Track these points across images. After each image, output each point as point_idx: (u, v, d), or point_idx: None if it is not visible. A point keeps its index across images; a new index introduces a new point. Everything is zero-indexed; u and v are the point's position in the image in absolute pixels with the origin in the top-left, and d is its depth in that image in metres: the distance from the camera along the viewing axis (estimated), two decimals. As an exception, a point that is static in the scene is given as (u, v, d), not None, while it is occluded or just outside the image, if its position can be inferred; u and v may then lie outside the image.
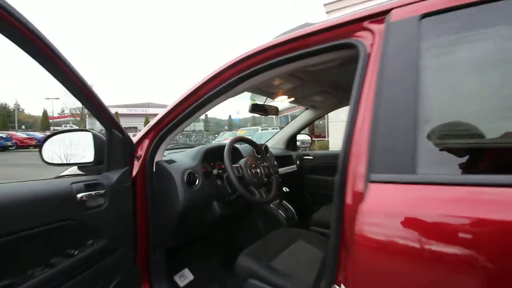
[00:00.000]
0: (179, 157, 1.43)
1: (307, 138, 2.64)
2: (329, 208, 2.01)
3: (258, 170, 1.44)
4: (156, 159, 1.25)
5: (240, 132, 15.76)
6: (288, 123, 2.58)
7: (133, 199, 1.14)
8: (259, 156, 1.89)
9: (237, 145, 1.74)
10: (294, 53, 0.90)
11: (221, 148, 1.56)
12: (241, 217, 1.76)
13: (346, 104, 2.16)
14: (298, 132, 2.49)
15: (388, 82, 0.67)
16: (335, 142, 6.92)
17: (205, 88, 1.08)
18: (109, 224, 0.97)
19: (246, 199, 1.30)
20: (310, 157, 2.48)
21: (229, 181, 1.35)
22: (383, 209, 0.58)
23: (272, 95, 1.70)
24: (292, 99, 1.81)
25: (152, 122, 1.23)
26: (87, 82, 0.88)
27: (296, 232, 1.48)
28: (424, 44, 0.67)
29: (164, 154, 1.42)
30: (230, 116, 42.99)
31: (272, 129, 14.04)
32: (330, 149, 7.15)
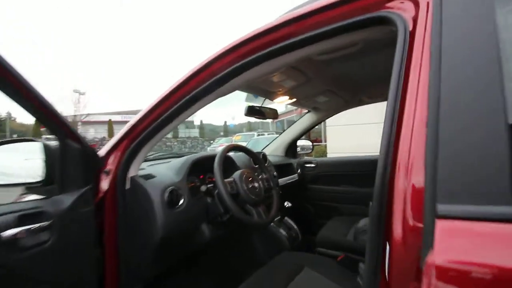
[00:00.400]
0: (162, 170, 1.19)
1: (308, 143, 2.41)
2: (335, 222, 1.77)
3: (256, 184, 1.20)
4: (130, 174, 1.01)
5: (235, 138, 15.51)
6: (284, 128, 2.35)
7: (99, 227, 0.90)
8: (257, 166, 1.65)
9: (231, 154, 1.51)
10: (302, 36, 0.68)
11: (211, 158, 1.32)
12: (236, 239, 1.51)
13: (354, 106, 1.95)
14: (299, 137, 2.27)
15: (451, 69, 0.45)
16: (333, 147, 6.71)
17: (190, 84, 0.85)
18: (56, 268, 0.72)
19: (242, 221, 1.06)
20: (313, 165, 2.25)
21: (220, 199, 1.11)
22: (475, 267, 0.36)
23: (271, 95, 1.48)
24: (293, 100, 1.58)
25: (124, 129, 0.99)
26: (26, 79, 0.65)
27: (302, 257, 1.24)
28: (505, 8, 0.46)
29: (142, 167, 1.18)
30: (225, 122, 42.83)
31: (268, 134, 13.80)
32: (330, 155, 6.95)
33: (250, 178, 1.20)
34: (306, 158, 2.36)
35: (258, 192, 1.19)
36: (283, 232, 1.52)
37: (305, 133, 2.24)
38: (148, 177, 1.07)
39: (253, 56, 0.74)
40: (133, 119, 0.97)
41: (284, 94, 1.44)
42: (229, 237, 1.37)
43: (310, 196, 2.20)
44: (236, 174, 1.19)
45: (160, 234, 1.00)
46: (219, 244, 1.40)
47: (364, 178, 2.00)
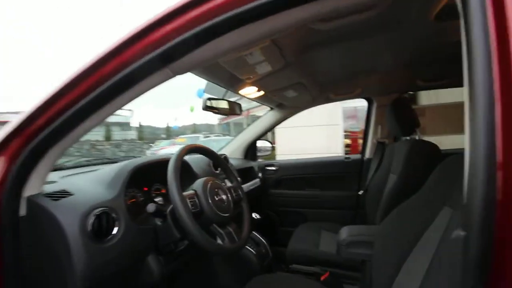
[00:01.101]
0: (83, 183, 0.81)
1: (267, 144, 2.20)
2: (303, 231, 1.59)
3: (224, 197, 0.92)
4: (27, 193, 0.63)
5: (179, 140, 14.61)
6: (230, 131, 2.10)
7: None
8: (218, 171, 1.36)
9: (186, 158, 1.19)
10: None
11: (160, 163, 0.98)
12: (194, 270, 1.19)
13: (320, 103, 1.82)
14: (259, 137, 2.04)
15: None
16: (283, 150, 6.75)
17: (122, 57, 0.54)
18: None
19: (208, 250, 0.76)
20: (274, 168, 2.05)
21: (176, 221, 0.80)
22: None
23: (236, 85, 1.21)
24: (261, 92, 1.34)
25: (14, 123, 0.61)
26: None
27: (279, 281, 1.00)
28: None
29: (52, 179, 0.79)
30: (168, 124, 40.16)
31: (215, 136, 13.34)
32: (279, 157, 6.97)
33: (216, 189, 0.91)
34: (266, 161, 2.15)
35: (226, 207, 0.91)
36: (251, 249, 1.26)
37: (266, 132, 2.03)
38: (60, 195, 0.69)
39: (226, 16, 0.47)
40: (28, 108, 0.60)
41: (253, 83, 1.19)
42: (184, 268, 1.04)
43: (272, 202, 1.99)
44: (198, 184, 0.88)
45: (79, 282, 0.63)
46: (171, 280, 1.06)
47: (328, 180, 1.90)
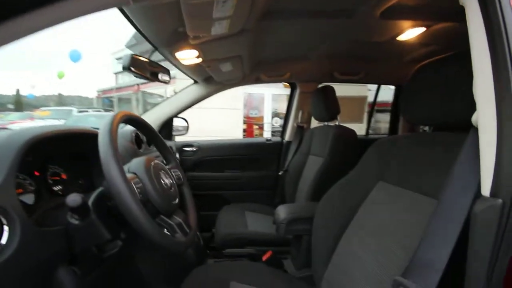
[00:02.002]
0: None
1: (183, 123, 1.97)
2: (227, 214, 1.54)
3: (168, 181, 0.73)
4: None
5: (41, 114, 11.32)
6: (113, 107, 1.79)
7: None
8: (140, 149, 1.09)
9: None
10: None
11: (60, 137, 0.68)
12: (121, 277, 0.91)
13: (248, 83, 1.76)
14: (177, 114, 1.80)
15: None
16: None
17: None
18: None
19: (167, 248, 0.58)
20: (193, 149, 1.87)
21: (106, 217, 0.57)
22: None
23: (174, 44, 0.97)
24: (199, 60, 1.15)
25: None
26: None
27: (219, 270, 0.92)
28: None
29: None
30: (18, 91, 29.84)
31: (95, 111, 10.97)
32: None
33: (160, 171, 0.71)
34: (184, 141, 1.93)
35: (174, 193, 0.72)
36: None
37: (185, 109, 1.80)
38: None
39: None
40: None
41: (197, 46, 0.98)
42: (109, 278, 0.78)
43: (190, 186, 1.81)
44: (137, 164, 0.65)
45: None
46: None
47: (249, 161, 1.90)
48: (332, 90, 1.42)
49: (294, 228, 1.07)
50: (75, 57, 8.43)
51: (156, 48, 1.04)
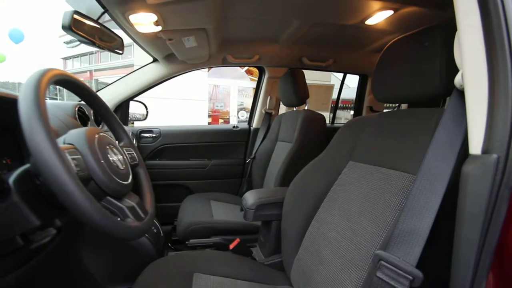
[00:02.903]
0: None
1: (142, 109, 1.79)
2: (191, 204, 1.44)
3: (120, 158, 0.61)
4: None
5: None
6: (61, 95, 1.58)
7: None
8: (85, 126, 0.93)
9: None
10: None
11: None
12: (58, 274, 0.76)
13: (215, 64, 1.65)
14: (134, 96, 1.62)
15: None
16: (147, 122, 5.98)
17: None
18: None
19: (115, 234, 0.47)
20: (153, 135, 1.71)
21: (32, 199, 0.45)
22: None
23: (126, 3, 0.83)
24: (156, 29, 1.01)
25: None
26: None
27: (181, 261, 0.83)
28: None
29: None
30: None
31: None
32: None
33: (108, 146, 0.59)
34: (142, 126, 1.76)
35: (125, 172, 0.61)
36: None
37: (143, 91, 1.63)
38: None
39: None
40: None
41: (154, 8, 0.85)
42: (38, 273, 0.63)
43: (150, 175, 1.66)
44: (76, 135, 0.52)
45: None
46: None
47: (215, 149, 1.80)
48: (301, 73, 1.39)
49: (263, 213, 1.01)
50: (16, 37, 7.29)
51: (105, 10, 0.88)
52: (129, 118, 1.70)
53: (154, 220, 1.14)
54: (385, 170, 0.67)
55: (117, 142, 0.75)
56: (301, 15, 1.15)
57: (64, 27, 0.76)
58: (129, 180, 0.61)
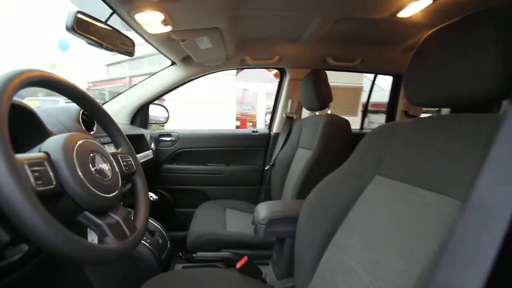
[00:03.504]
0: None
1: (163, 111, 1.78)
2: (205, 211, 1.38)
3: (105, 166, 0.55)
4: None
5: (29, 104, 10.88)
6: (106, 100, 1.59)
7: None
8: (93, 131, 0.91)
9: (38, 107, 0.71)
10: None
11: None
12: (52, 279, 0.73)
13: (234, 66, 1.59)
14: (153, 100, 1.62)
15: None
16: (174, 126, 6.18)
17: None
18: None
19: (73, 256, 0.41)
20: (172, 138, 1.70)
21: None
22: None
23: (131, 1, 0.79)
24: (166, 29, 0.97)
25: None
26: None
27: (183, 278, 0.75)
28: None
29: None
30: None
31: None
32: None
33: (92, 153, 0.53)
34: (161, 129, 1.75)
35: (111, 183, 0.55)
36: (143, 242, 0.92)
37: (162, 94, 1.62)
38: None
39: None
40: None
41: (160, 7, 0.80)
42: (26, 282, 0.60)
43: (167, 179, 1.65)
44: (53, 143, 0.48)
45: None
46: None
47: (233, 154, 1.73)
48: (323, 74, 1.26)
49: (275, 230, 0.91)
50: (63, 45, 8.09)
51: (113, 10, 0.85)
52: (153, 122, 1.71)
53: (162, 230, 1.09)
54: (420, 191, 0.53)
55: (108, 149, 0.70)
56: (323, 10, 1.04)
57: (67, 28, 0.74)
58: (115, 192, 0.55)
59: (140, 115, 1.60)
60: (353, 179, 0.72)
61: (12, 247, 0.47)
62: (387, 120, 1.83)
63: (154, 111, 1.73)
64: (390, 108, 1.79)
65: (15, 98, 0.59)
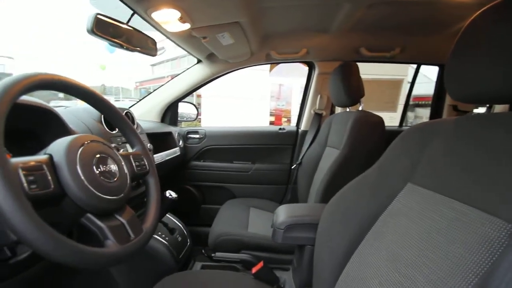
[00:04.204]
0: None
1: (192, 108, 1.82)
2: (228, 210, 1.36)
3: (113, 168, 0.55)
4: None
5: (81, 103, 12.18)
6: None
7: None
8: (114, 131, 0.94)
9: (62, 108, 0.75)
10: None
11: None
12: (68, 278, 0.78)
13: (259, 61, 1.54)
14: (182, 97, 1.65)
15: None
16: (210, 121, 6.33)
17: None
18: None
19: (65, 261, 0.41)
20: (199, 136, 1.72)
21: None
22: None
23: (147, 2, 0.79)
24: (184, 26, 0.95)
25: None
26: None
27: (195, 281, 0.74)
28: None
29: None
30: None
31: (131, 101, 11.51)
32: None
33: (98, 155, 0.53)
34: (189, 127, 1.79)
35: (117, 185, 0.55)
36: (161, 239, 0.93)
37: (191, 92, 1.64)
38: None
39: None
40: None
41: (175, 5, 0.79)
42: (42, 280, 0.64)
43: (194, 176, 1.68)
44: (58, 145, 0.49)
45: None
46: None
47: (260, 152, 1.70)
48: (355, 67, 1.15)
49: (293, 235, 0.85)
50: (111, 48, 8.83)
51: (133, 11, 0.86)
52: (184, 119, 1.75)
53: (182, 227, 1.10)
54: (461, 207, 0.43)
55: (130, 149, 0.71)
56: None
57: (87, 30, 0.77)
58: (122, 194, 0.55)
59: (170, 113, 1.65)
60: (381, 185, 0.62)
61: (22, 245, 0.49)
62: (432, 116, 1.62)
63: (184, 109, 1.77)
64: (436, 103, 1.57)
65: (38, 101, 0.63)
